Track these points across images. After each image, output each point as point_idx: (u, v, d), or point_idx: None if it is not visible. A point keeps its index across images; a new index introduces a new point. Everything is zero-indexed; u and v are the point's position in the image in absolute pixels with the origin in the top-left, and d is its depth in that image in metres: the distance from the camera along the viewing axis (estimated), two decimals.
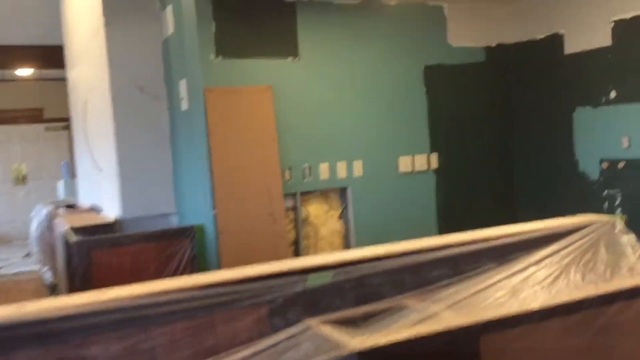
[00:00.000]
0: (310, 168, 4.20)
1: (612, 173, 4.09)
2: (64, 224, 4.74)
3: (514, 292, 1.87)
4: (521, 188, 4.82)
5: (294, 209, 4.17)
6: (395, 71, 4.48)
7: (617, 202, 4.08)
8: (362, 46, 4.37)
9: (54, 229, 5.84)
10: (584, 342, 1.79)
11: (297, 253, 4.17)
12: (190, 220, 4.37)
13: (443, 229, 4.63)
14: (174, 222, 4.75)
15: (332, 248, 4.35)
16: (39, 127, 10.98)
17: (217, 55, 3.91)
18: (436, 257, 2.01)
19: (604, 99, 4.12)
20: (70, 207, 6.53)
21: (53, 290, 5.91)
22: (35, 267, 7.69)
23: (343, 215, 4.39)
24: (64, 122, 11.08)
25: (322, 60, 4.25)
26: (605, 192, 4.14)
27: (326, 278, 1.84)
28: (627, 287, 1.84)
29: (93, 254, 3.84)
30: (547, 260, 2.01)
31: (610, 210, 4.12)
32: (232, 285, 1.80)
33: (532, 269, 1.97)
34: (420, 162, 4.53)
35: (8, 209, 10.72)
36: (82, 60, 5.95)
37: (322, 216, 4.31)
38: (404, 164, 4.47)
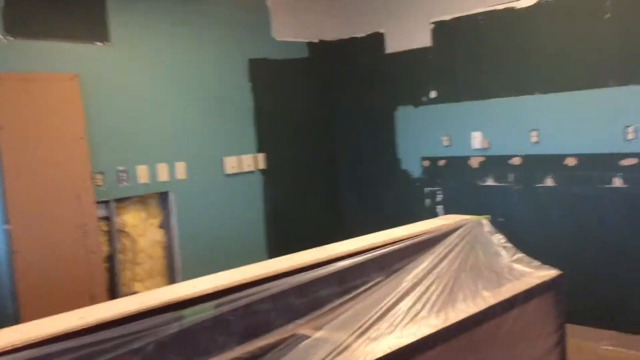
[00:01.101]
0: (126, 171, 3.63)
1: (433, 171, 4.22)
2: None
3: (416, 312, 1.70)
4: (346, 187, 4.79)
5: (108, 218, 3.57)
6: (219, 64, 4.09)
7: (439, 199, 4.23)
8: (183, 35, 3.91)
9: None
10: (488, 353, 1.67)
11: (112, 270, 3.58)
12: None
13: (271, 232, 4.38)
14: None
15: (153, 261, 3.83)
16: None
17: (6, 34, 3.15)
18: (322, 274, 1.75)
19: (424, 99, 4.24)
20: None
21: None
22: None
23: (164, 224, 3.89)
24: None
25: (138, 48, 3.70)
26: (427, 189, 4.27)
27: (207, 311, 1.45)
28: (521, 291, 1.78)
29: None
30: (437, 270, 1.87)
31: (432, 208, 4.26)
32: (82, 337, 1.32)
33: (425, 282, 1.81)
34: (247, 162, 4.21)
35: None
36: None
37: (140, 225, 3.76)
38: (230, 164, 4.12)
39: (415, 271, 1.82)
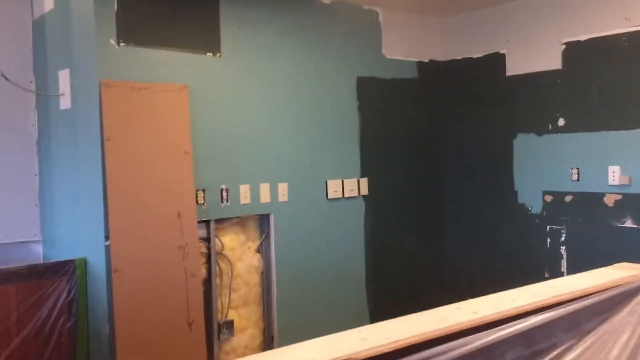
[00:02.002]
0: (228, 190, 3.41)
1: (557, 207, 3.81)
2: None
3: None
4: (452, 219, 4.42)
5: (207, 239, 3.35)
6: (326, 80, 3.85)
7: (563, 239, 3.80)
8: (291, 49, 3.69)
9: None
10: None
11: (208, 295, 3.34)
12: (66, 251, 3.38)
13: (370, 262, 4.06)
14: (38, 252, 3.70)
15: (249, 287, 3.57)
16: None
17: (119, 40, 3.01)
18: (509, 334, 1.41)
19: (550, 126, 3.84)
20: None
21: None
22: None
23: (262, 248, 3.64)
24: None
25: (246, 61, 3.50)
26: (549, 227, 3.85)
27: None
28: None
29: None
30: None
31: (555, 248, 3.83)
32: None
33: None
34: (350, 187, 3.93)
35: None
36: None
37: (238, 249, 3.53)
38: (334, 188, 3.84)
39: (624, 337, 1.46)
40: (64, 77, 3.29)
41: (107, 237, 2.97)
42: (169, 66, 3.23)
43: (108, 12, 3.02)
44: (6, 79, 3.34)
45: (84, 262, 3.16)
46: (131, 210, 3.00)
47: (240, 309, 3.56)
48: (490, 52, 4.17)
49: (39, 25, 3.56)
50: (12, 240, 3.64)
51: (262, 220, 3.65)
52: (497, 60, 4.12)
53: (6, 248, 3.66)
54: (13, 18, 3.60)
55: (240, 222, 3.57)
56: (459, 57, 4.35)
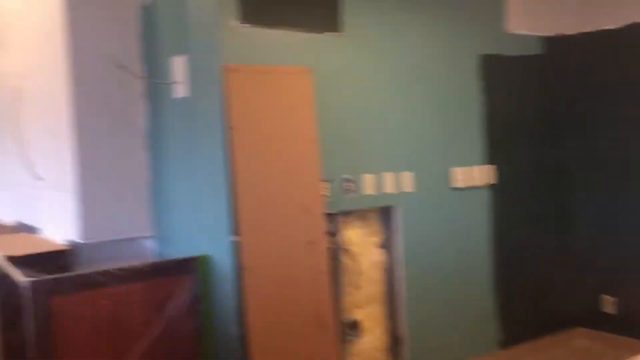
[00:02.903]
0: (352, 180, 3.16)
1: None
2: None
3: None
4: (582, 210, 4.03)
5: (333, 234, 3.12)
6: (448, 59, 3.53)
7: None
8: (412, 26, 3.39)
9: None
10: None
11: (336, 293, 3.10)
12: (183, 248, 3.21)
13: (496, 258, 3.73)
14: (150, 248, 3.56)
15: (372, 285, 3.32)
16: None
17: (240, 21, 2.79)
18: None
19: None
20: None
21: None
22: None
23: (385, 242, 3.38)
24: None
25: (368, 39, 3.22)
26: None
27: None
28: None
29: (54, 302, 2.60)
30: None
31: None
32: None
33: None
34: (476, 175, 3.61)
35: None
36: (10, 41, 4.59)
37: (361, 244, 3.28)
38: (459, 177, 3.53)
39: None
40: (179, 64, 3.11)
41: (233, 233, 2.77)
42: (290, 47, 3.00)
43: None
44: (122, 68, 3.19)
45: (207, 260, 2.98)
46: (259, 204, 2.79)
47: (365, 307, 3.31)
48: (628, 22, 3.75)
49: (148, 12, 3.39)
50: (123, 237, 3.52)
51: (385, 213, 3.38)
52: (635, 32, 3.69)
53: (118, 245, 3.53)
54: (119, 5, 3.45)
55: (361, 214, 3.32)
56: (592, 29, 3.93)
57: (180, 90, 3.12)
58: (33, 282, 2.56)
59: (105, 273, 2.74)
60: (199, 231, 3.07)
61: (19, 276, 2.83)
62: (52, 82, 3.66)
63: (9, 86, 4.65)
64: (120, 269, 2.79)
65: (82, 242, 3.39)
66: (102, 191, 3.42)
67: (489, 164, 3.69)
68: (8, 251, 3.32)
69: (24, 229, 4.59)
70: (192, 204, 3.10)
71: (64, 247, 3.43)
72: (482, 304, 3.67)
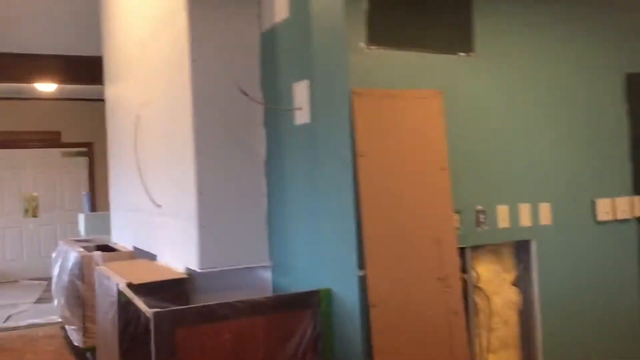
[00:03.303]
0: (484, 212, 2.91)
1: None
2: (113, 278, 3.44)
3: None
4: None
5: (463, 270, 2.87)
6: (589, 80, 3.23)
7: None
8: (547, 43, 3.12)
9: (92, 280, 4.52)
10: None
11: (467, 337, 2.84)
12: (302, 280, 3.08)
13: None
14: (267, 278, 3.46)
15: (507, 327, 3.02)
16: (54, 152, 9.74)
17: (369, 43, 2.66)
18: None
19: None
20: (103, 248, 5.23)
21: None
22: (51, 317, 6.33)
23: (520, 280, 3.08)
24: (83, 147, 9.88)
25: (502, 59, 2.99)
26: None
27: None
28: None
29: (178, 333, 2.53)
30: None
31: None
32: None
33: None
34: (622, 207, 3.24)
35: (16, 244, 9.38)
36: (133, 71, 4.75)
37: (493, 281, 3.01)
38: (603, 209, 3.19)
39: None
40: (301, 90, 3.02)
41: (360, 267, 2.59)
42: (418, 69, 2.82)
43: (357, 13, 2.68)
44: (245, 94, 3.15)
45: (329, 294, 2.82)
46: (387, 236, 2.60)
47: (499, 353, 3.01)
48: None
49: (268, 37, 3.35)
50: (240, 266, 3.45)
51: (519, 247, 3.09)
52: None
53: (234, 274, 3.47)
54: (240, 31, 3.44)
55: (493, 249, 3.05)
56: None
57: (301, 117, 3.03)
58: (158, 312, 2.51)
59: (228, 305, 2.64)
60: (320, 263, 2.92)
61: (141, 305, 2.80)
62: (172, 109, 3.70)
63: (129, 115, 4.80)
64: (242, 302, 2.69)
65: (199, 270, 3.34)
66: (221, 219, 3.38)
67: (636, 194, 3.31)
68: (130, 278, 3.33)
69: (140, 255, 4.67)
70: (313, 234, 2.97)
71: (182, 276, 3.40)
72: (632, 357, 3.25)
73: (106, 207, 8.57)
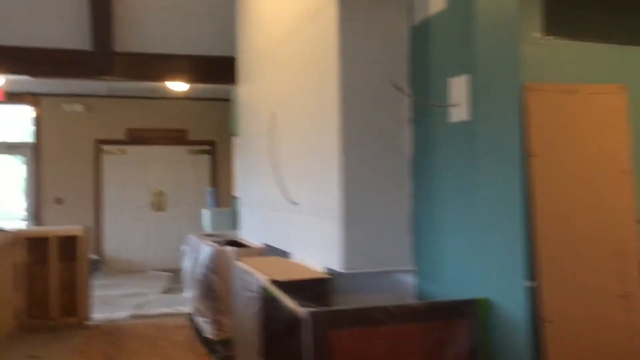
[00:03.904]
0: None
1: None
2: (255, 274, 3.43)
3: None
4: None
5: None
6: None
7: None
8: None
9: (226, 274, 4.59)
10: None
11: None
12: (449, 287, 2.90)
13: None
14: (407, 282, 3.31)
15: None
16: (180, 150, 10.15)
17: (545, 33, 2.45)
18: None
19: None
20: (232, 244, 5.30)
21: (221, 354, 4.62)
22: (179, 307, 6.56)
23: None
24: (208, 145, 10.22)
25: None
26: None
27: None
28: None
29: (332, 335, 2.44)
30: None
31: None
32: None
33: None
34: None
35: (144, 237, 9.87)
36: (270, 69, 4.78)
37: None
38: None
39: None
40: (458, 85, 2.84)
41: (528, 277, 2.37)
42: (599, 62, 2.56)
43: (529, 2, 2.47)
44: (400, 90, 3.02)
45: (487, 304, 2.62)
46: (562, 245, 2.37)
47: None
48: None
49: (420, 30, 3.20)
50: (382, 269, 3.32)
51: None
52: None
53: (375, 277, 3.35)
54: (389, 24, 3.32)
55: None
56: None
57: (458, 114, 2.84)
58: (313, 312, 2.43)
59: (383, 310, 2.52)
60: (475, 271, 2.73)
61: (291, 303, 2.74)
62: (315, 105, 3.64)
63: (264, 113, 4.82)
64: (396, 307, 2.55)
65: (341, 271, 3.25)
66: (365, 220, 3.27)
67: None
68: (272, 275, 3.31)
69: (270, 252, 4.68)
70: (467, 240, 2.78)
71: (326, 276, 3.33)
72: None
73: (228, 203, 8.82)
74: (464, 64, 2.79)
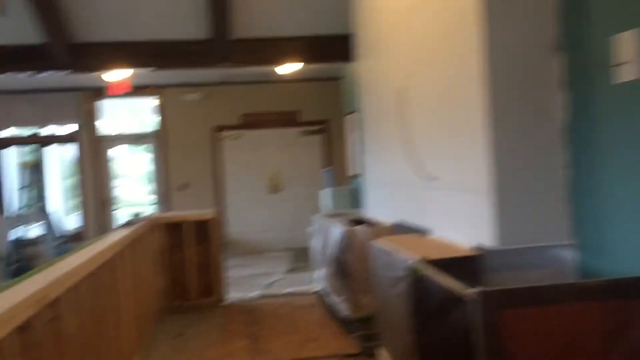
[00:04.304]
0: None
1: None
2: (400, 252, 3.35)
3: None
4: None
5: None
6: None
7: None
8: None
9: (359, 253, 4.57)
10: None
11: None
12: (622, 263, 2.67)
13: None
14: (565, 257, 3.10)
15: None
16: (291, 132, 10.26)
17: None
18: None
19: None
20: (359, 222, 5.27)
21: (359, 332, 4.63)
22: (305, 286, 6.66)
23: None
24: (319, 125, 10.27)
25: None
26: None
27: None
28: None
29: (505, 315, 2.31)
30: None
31: None
32: None
33: None
34: None
35: (263, 218, 10.13)
36: (394, 43, 4.65)
37: None
38: None
39: None
40: (626, 41, 2.58)
41: None
42: None
43: None
44: (553, 51, 2.80)
45: None
46: None
47: None
48: None
49: None
50: (538, 244, 3.14)
51: None
52: None
53: (529, 252, 3.17)
54: None
55: None
56: None
57: (629, 73, 2.59)
58: (482, 292, 2.31)
59: (556, 288, 2.36)
60: None
61: (451, 282, 2.64)
62: (453, 74, 3.48)
63: (392, 87, 4.71)
64: (570, 285, 2.39)
65: (494, 247, 3.11)
66: (518, 193, 3.10)
67: None
68: (419, 253, 3.22)
69: (401, 229, 4.60)
70: None
71: (478, 252, 3.20)
72: None
73: (344, 182, 8.83)
74: (635, 15, 2.53)
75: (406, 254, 3.28)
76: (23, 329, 2.16)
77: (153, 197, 10.02)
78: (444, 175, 3.77)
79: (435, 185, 3.90)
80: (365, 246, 4.50)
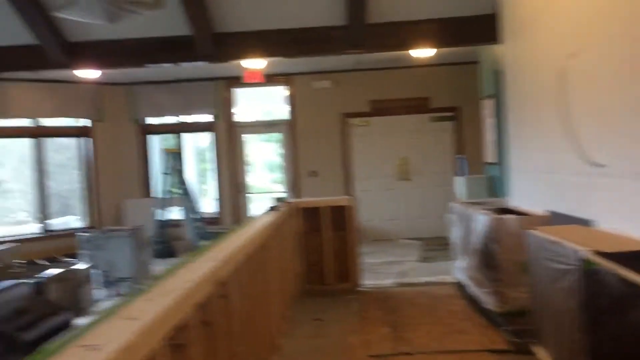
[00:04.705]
0: None
1: None
2: (567, 244, 3.11)
3: None
4: None
5: None
6: None
7: None
8: None
9: (508, 243, 4.34)
10: None
11: None
12: None
13: None
14: None
15: None
16: (422, 118, 10.03)
17: None
18: None
19: None
20: (504, 211, 5.00)
21: (507, 327, 4.41)
22: (442, 276, 6.49)
23: None
24: (451, 111, 9.97)
25: None
26: None
27: None
28: None
29: None
30: None
31: None
32: None
33: None
34: None
35: (392, 206, 10.02)
36: (550, 22, 4.33)
37: None
38: None
39: None
40: None
41: None
42: None
43: None
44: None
45: None
46: None
47: None
48: None
49: None
50: None
51: None
52: None
53: None
54: None
55: None
56: None
57: None
58: None
59: None
60: None
61: (631, 277, 2.39)
62: (628, 49, 3.16)
63: (549, 68, 4.40)
64: None
65: None
66: None
67: None
68: (591, 246, 2.97)
69: (558, 219, 4.30)
70: None
71: None
72: None
73: (477, 170, 8.49)
74: None
75: (576, 246, 3.04)
76: (202, 305, 2.23)
77: (282, 184, 10.25)
78: (615, 161, 3.45)
79: (602, 172, 3.58)
80: (516, 236, 4.26)
